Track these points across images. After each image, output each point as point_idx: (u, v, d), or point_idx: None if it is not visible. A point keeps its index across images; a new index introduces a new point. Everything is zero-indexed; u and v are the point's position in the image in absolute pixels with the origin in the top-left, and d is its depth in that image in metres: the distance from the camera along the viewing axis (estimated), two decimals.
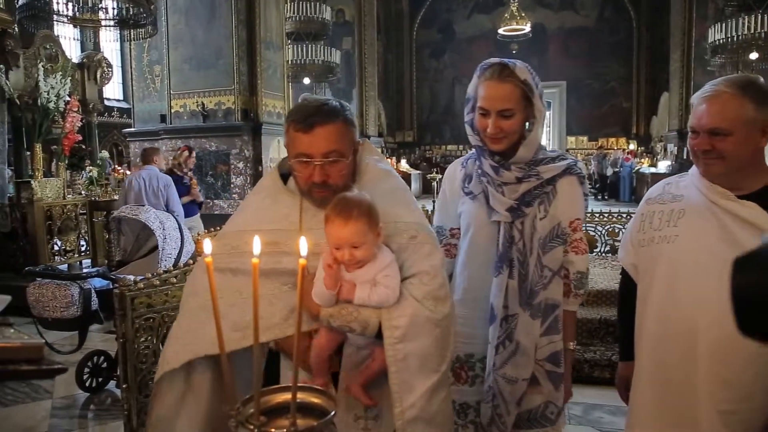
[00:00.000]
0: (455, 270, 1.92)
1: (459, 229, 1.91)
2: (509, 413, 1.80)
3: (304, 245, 0.85)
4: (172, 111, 10.52)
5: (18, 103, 6.44)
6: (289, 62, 12.48)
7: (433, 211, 6.05)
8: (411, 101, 22.73)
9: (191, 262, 3.04)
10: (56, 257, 6.63)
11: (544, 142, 1.92)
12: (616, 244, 5.20)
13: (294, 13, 12.90)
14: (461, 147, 22.01)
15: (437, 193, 9.03)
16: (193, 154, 6.78)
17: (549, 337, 1.80)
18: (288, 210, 1.52)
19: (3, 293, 1.23)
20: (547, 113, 2.16)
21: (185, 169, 6.46)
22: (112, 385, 3.86)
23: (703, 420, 1.48)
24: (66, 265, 6.63)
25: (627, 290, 1.79)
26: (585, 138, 21.06)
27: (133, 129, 11.32)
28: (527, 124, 1.76)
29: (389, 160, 17.44)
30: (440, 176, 9.75)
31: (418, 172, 18.70)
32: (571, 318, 1.85)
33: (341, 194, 1.44)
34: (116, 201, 6.50)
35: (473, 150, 1.89)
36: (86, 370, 3.78)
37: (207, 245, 0.93)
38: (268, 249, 1.44)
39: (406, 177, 17.39)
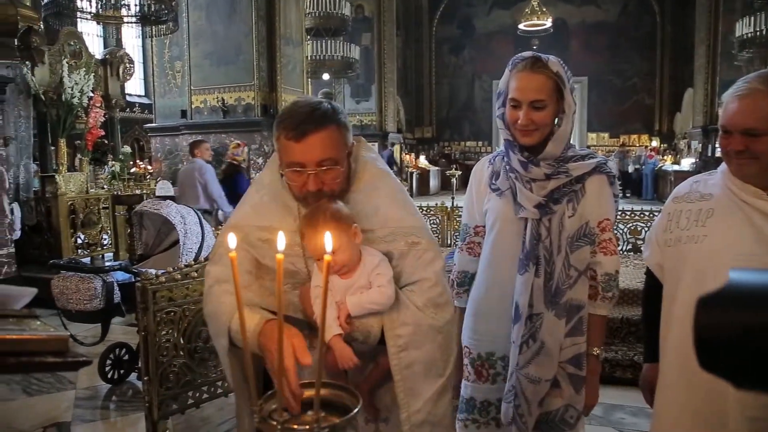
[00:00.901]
0: (479, 267, 1.90)
1: (484, 227, 1.89)
2: (531, 414, 1.78)
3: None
4: (193, 107, 10.62)
5: (43, 98, 6.55)
6: (309, 58, 12.50)
7: (451, 208, 6.05)
8: (430, 97, 22.66)
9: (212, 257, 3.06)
10: (79, 250, 6.72)
11: None
12: (639, 242, 5.13)
13: (313, 8, 12.92)
14: (480, 143, 21.93)
15: (457, 189, 8.98)
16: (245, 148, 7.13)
17: (572, 339, 1.77)
18: (286, 212, 1.50)
19: (29, 285, 1.25)
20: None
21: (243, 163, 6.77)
22: (133, 377, 3.91)
23: (731, 426, 1.45)
24: (89, 259, 6.73)
25: (652, 290, 1.76)
26: (606, 135, 20.82)
27: (154, 124, 11.45)
28: (556, 119, 1.73)
29: (408, 156, 17.42)
30: (459, 173, 9.70)
31: (437, 168, 18.63)
32: (599, 322, 1.80)
33: (309, 208, 1.42)
34: (136, 195, 6.62)
35: (500, 148, 1.88)
36: (108, 362, 3.83)
37: (231, 239, 0.93)
38: (263, 245, 1.45)
39: (425, 173, 17.35)
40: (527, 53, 1.74)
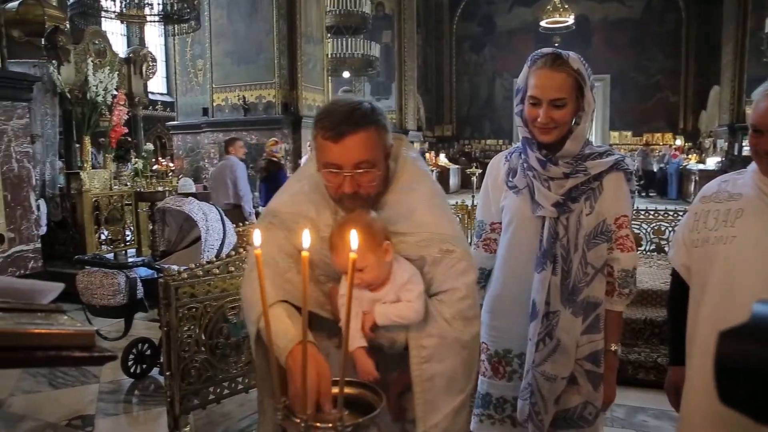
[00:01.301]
0: (495, 264, 1.90)
1: (500, 223, 1.89)
2: (547, 411, 1.78)
3: (307, 238, 0.84)
4: (214, 104, 10.74)
5: (69, 97, 6.64)
6: (329, 56, 12.53)
7: (472, 206, 6.02)
8: (450, 95, 22.57)
9: (233, 253, 3.08)
10: (103, 246, 6.83)
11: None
12: (662, 242, 5.06)
13: (334, 6, 12.94)
14: (501, 142, 21.78)
15: (476, 188, 8.94)
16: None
17: (589, 336, 1.77)
18: (324, 204, 1.49)
19: (55, 281, 1.27)
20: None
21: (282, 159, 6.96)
22: (155, 372, 3.95)
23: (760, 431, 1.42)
24: (112, 255, 6.83)
25: (677, 292, 1.73)
26: (629, 133, 20.54)
27: (176, 122, 11.59)
28: (574, 119, 1.72)
29: (428, 154, 17.38)
30: (480, 171, 9.66)
31: (457, 166, 18.58)
32: (615, 318, 1.81)
33: (339, 221, 1.39)
34: (159, 192, 6.71)
35: (516, 144, 1.86)
36: (131, 356, 3.88)
37: (257, 236, 0.93)
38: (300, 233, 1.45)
39: (445, 171, 17.30)
40: (547, 49, 1.72)
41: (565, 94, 1.66)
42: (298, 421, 0.87)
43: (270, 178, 7.06)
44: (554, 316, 1.75)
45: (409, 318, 1.37)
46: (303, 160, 7.35)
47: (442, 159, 18.61)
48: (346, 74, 14.77)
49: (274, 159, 7.20)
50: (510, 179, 1.84)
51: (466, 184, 16.19)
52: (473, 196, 7.73)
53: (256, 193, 8.02)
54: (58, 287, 1.13)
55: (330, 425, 0.88)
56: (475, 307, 1.46)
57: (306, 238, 0.85)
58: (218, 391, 2.97)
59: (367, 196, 1.40)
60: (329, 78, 12.29)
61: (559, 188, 1.73)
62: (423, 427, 1.39)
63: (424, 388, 1.39)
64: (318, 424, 0.90)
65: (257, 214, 6.67)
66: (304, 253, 0.82)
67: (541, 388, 1.76)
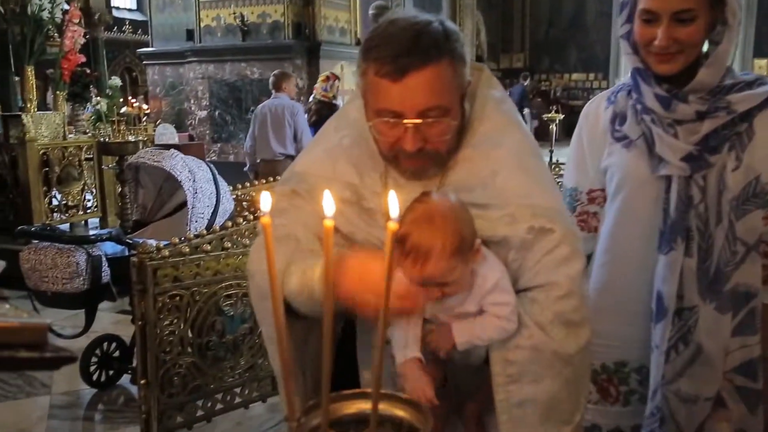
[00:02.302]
0: (598, 247, 1.90)
1: (602, 190, 1.91)
2: None
3: (329, 201, 0.80)
4: (202, 25, 10.74)
5: (2, 11, 6.65)
6: None
7: (550, 165, 5.93)
8: (523, 12, 22.48)
9: (229, 224, 3.09)
10: (55, 214, 6.98)
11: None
12: None
13: None
14: (592, 77, 21.52)
15: (556, 139, 8.77)
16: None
17: (741, 339, 1.75)
18: (371, 164, 1.47)
19: None
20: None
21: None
22: (125, 379, 4.04)
23: None
24: (68, 225, 6.97)
25: None
26: None
27: (150, 49, 11.66)
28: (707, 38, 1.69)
29: None
30: (561, 117, 9.50)
31: (529, 110, 18.40)
32: None
33: (410, 208, 1.33)
34: (129, 143, 6.76)
35: (622, 81, 1.87)
36: (93, 359, 3.96)
37: (265, 200, 0.91)
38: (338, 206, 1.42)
39: None
40: None
41: (693, 3, 1.62)
42: None
43: (320, 123, 7.13)
44: (690, 313, 1.75)
45: (501, 337, 1.37)
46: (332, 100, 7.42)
47: None
48: None
49: (325, 99, 7.21)
50: (617, 128, 1.84)
51: (542, 136, 16.01)
52: (551, 151, 7.64)
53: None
54: None
55: None
56: (582, 310, 1.42)
57: (328, 203, 0.82)
58: (209, 405, 3.02)
59: (435, 153, 1.38)
60: None
61: (691, 135, 1.70)
62: None
63: (513, 417, 1.38)
64: None
65: None
66: (328, 222, 0.79)
67: (676, 414, 1.77)
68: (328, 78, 7.36)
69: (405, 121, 1.33)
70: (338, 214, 1.42)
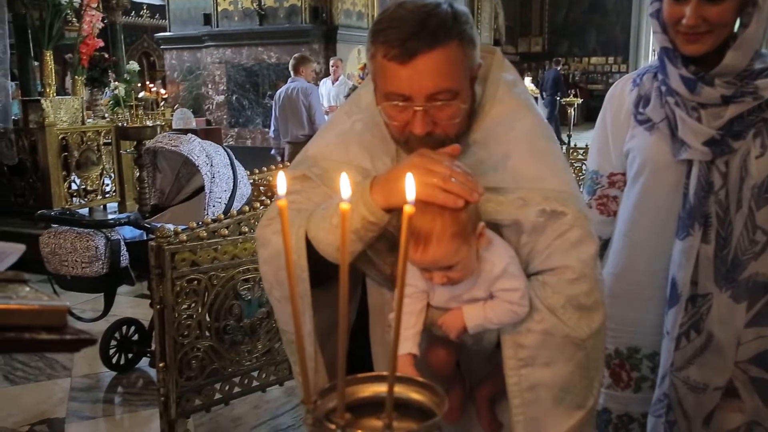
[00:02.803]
0: (616, 231, 1.89)
1: (623, 174, 1.89)
2: None
3: (346, 184, 0.80)
4: (219, 9, 10.73)
5: None
6: None
7: (568, 149, 5.90)
8: None
9: (247, 209, 3.10)
10: (74, 199, 7.03)
11: None
12: None
13: None
14: (612, 60, 21.29)
15: (574, 124, 8.74)
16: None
17: (757, 329, 1.74)
18: (383, 149, 1.47)
19: (12, 242, 1.28)
20: None
21: None
22: (144, 363, 4.08)
23: None
24: (87, 209, 7.01)
25: None
26: None
27: (168, 33, 11.67)
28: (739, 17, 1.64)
29: None
30: (580, 101, 9.45)
31: (549, 94, 18.31)
32: None
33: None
34: (148, 128, 6.78)
35: (648, 64, 1.81)
36: (113, 342, 4.01)
37: (281, 180, 0.91)
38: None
39: None
40: None
41: None
42: (333, 427, 0.86)
43: None
44: (704, 300, 1.74)
45: (513, 322, 1.36)
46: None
47: (529, 84, 18.30)
48: None
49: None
50: (641, 110, 1.81)
51: (561, 120, 15.96)
52: (570, 136, 7.61)
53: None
54: (17, 249, 1.14)
55: None
56: (596, 293, 1.41)
57: (345, 186, 0.82)
58: (226, 388, 3.04)
59: (445, 137, 1.36)
60: None
61: (716, 119, 1.68)
62: None
63: (525, 401, 1.37)
64: None
65: None
66: (344, 205, 0.79)
67: (683, 402, 1.76)
68: (365, 66, 7.48)
69: (415, 105, 1.32)
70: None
